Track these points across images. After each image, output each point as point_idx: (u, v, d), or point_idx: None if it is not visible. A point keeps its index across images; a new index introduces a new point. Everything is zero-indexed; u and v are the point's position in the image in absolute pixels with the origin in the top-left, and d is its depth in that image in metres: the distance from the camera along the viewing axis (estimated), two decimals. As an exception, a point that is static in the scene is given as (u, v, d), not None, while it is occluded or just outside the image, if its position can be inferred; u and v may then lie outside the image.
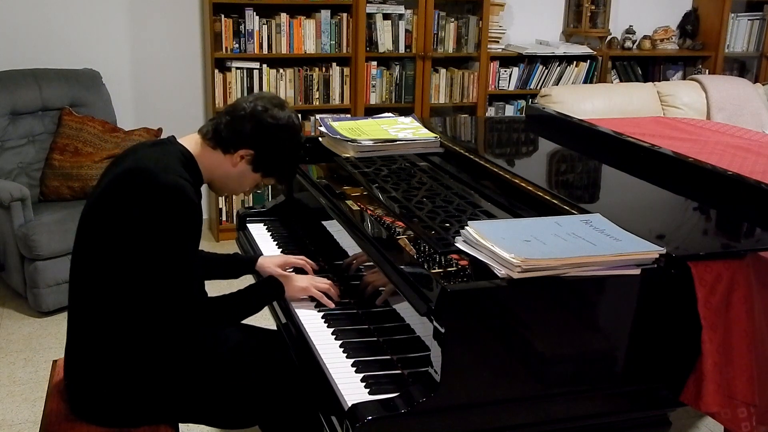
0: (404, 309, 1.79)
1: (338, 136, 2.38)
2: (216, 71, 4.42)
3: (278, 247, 2.38)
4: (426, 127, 2.55)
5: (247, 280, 2.12)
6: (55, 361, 2.07)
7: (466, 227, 1.60)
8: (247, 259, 2.21)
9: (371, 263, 1.92)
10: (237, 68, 4.44)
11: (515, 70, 5.08)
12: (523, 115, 4.34)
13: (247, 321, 1.95)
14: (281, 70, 4.54)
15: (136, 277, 1.71)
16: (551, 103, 4.45)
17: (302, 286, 1.98)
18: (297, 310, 1.95)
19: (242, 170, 1.92)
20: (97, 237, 1.74)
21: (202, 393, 1.84)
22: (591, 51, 5.17)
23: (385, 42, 4.69)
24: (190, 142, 1.91)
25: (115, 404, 1.79)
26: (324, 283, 2.00)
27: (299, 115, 1.98)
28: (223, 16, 4.36)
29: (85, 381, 1.81)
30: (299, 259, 2.16)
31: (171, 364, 1.81)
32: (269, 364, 1.94)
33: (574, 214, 1.77)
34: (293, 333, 1.92)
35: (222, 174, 1.92)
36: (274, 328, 2.13)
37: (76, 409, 1.83)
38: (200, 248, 1.90)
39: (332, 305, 1.95)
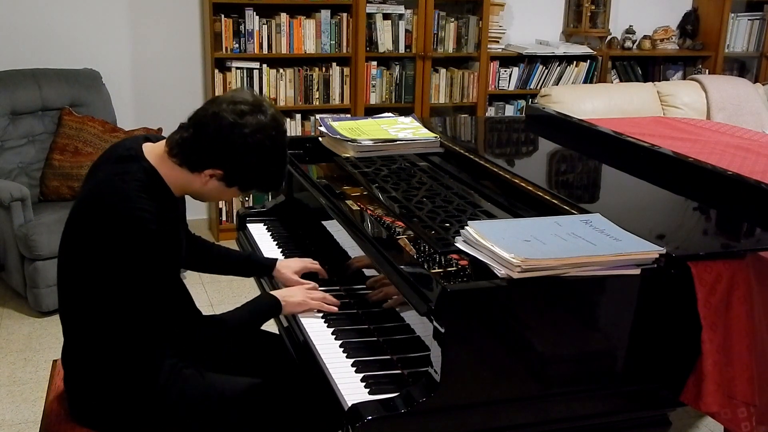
0: (404, 309, 1.79)
1: (338, 136, 2.38)
2: (216, 71, 4.42)
3: (278, 247, 2.38)
4: (426, 127, 2.55)
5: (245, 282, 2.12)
6: (55, 361, 2.07)
7: (466, 227, 1.60)
8: (265, 262, 2.14)
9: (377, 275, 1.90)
10: (237, 68, 4.44)
11: (515, 70, 5.08)
12: (523, 115, 4.33)
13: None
14: (281, 70, 4.54)
15: (112, 295, 1.69)
16: (551, 103, 4.45)
17: (297, 301, 1.90)
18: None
19: (215, 187, 1.74)
20: (74, 250, 1.73)
21: (203, 399, 1.82)
22: (591, 51, 5.17)
23: (385, 42, 4.69)
24: (157, 155, 1.73)
25: (113, 410, 1.77)
26: (318, 293, 1.95)
27: (277, 117, 1.73)
28: (223, 16, 4.36)
29: (83, 386, 1.80)
30: (315, 265, 2.10)
31: (165, 370, 1.79)
32: (272, 371, 1.93)
33: (574, 214, 1.77)
34: (295, 336, 1.91)
35: (194, 190, 1.77)
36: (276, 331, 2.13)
37: (76, 413, 1.82)
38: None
39: (335, 309, 1.91)
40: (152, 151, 1.74)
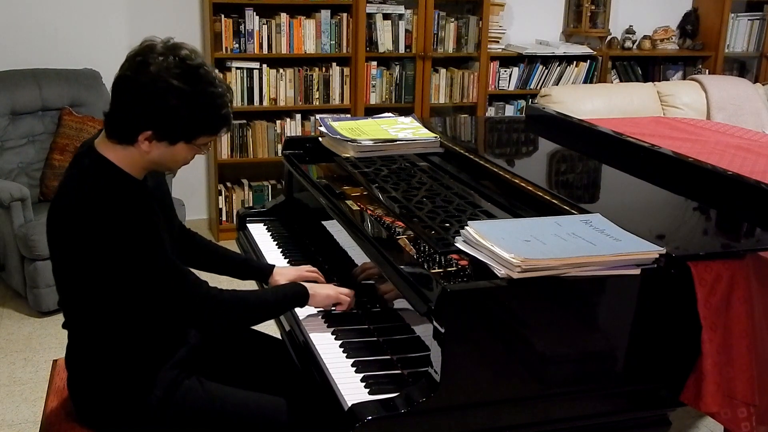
0: (404, 308, 1.79)
1: (338, 136, 2.38)
2: (216, 71, 4.41)
3: (278, 247, 2.38)
4: (426, 127, 2.55)
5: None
6: (55, 361, 2.07)
7: (466, 227, 1.60)
8: (262, 267, 2.11)
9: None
10: (237, 68, 4.44)
11: (515, 70, 5.08)
12: (523, 115, 4.34)
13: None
14: (281, 70, 4.54)
15: (97, 290, 1.67)
16: (551, 103, 4.45)
17: (328, 293, 1.88)
18: (298, 311, 1.95)
19: (161, 151, 1.64)
20: (55, 252, 1.72)
21: (202, 411, 1.80)
22: (591, 51, 5.16)
23: (385, 42, 4.69)
24: (103, 142, 1.67)
25: (115, 415, 1.76)
26: (349, 291, 1.92)
27: (186, 56, 1.62)
28: (223, 16, 4.36)
29: (85, 389, 1.79)
30: (312, 272, 2.07)
31: (164, 382, 1.78)
32: (275, 379, 1.92)
33: (574, 214, 1.77)
34: (296, 337, 1.91)
35: (149, 162, 1.67)
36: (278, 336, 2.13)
37: (80, 415, 1.81)
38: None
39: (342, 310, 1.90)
40: (99, 140, 1.69)
